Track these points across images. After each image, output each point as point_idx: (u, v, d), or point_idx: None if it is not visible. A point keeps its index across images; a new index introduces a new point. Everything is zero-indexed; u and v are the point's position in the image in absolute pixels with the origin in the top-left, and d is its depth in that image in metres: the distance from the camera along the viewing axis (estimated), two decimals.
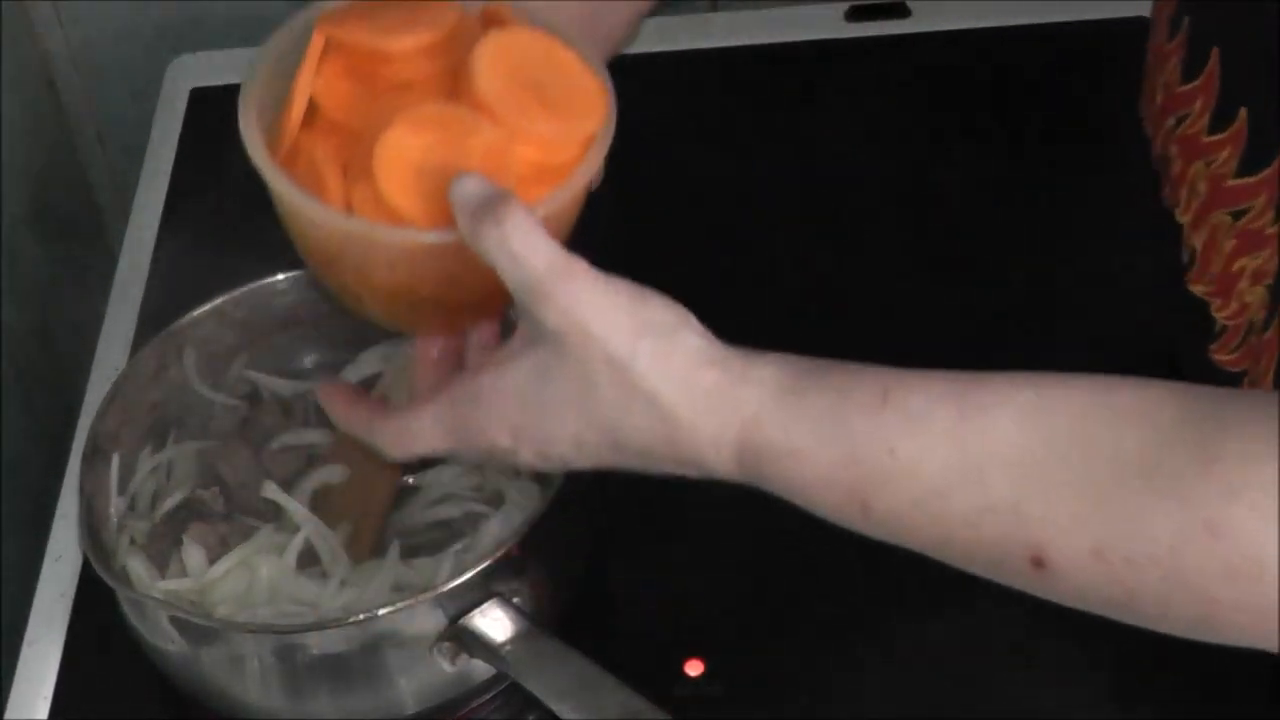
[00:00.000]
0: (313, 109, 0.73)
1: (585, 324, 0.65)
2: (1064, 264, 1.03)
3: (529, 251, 0.65)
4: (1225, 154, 0.70)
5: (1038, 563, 0.59)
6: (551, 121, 0.73)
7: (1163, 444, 0.58)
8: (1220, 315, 0.72)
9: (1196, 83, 0.73)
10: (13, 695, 0.91)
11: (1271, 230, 0.67)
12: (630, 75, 1.20)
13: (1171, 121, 0.75)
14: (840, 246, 1.07)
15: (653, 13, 1.22)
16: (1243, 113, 0.69)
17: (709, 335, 0.67)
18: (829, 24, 1.21)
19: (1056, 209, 1.07)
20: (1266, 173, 0.67)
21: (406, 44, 0.73)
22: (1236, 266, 0.70)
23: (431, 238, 0.69)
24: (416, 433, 0.72)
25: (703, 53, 1.21)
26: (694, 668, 0.87)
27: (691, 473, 0.67)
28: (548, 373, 0.67)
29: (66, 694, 0.91)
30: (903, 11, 1.21)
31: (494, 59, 0.72)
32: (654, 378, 0.65)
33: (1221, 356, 0.73)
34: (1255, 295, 0.69)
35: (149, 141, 1.19)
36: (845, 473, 0.62)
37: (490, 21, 0.75)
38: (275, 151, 0.73)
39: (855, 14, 1.21)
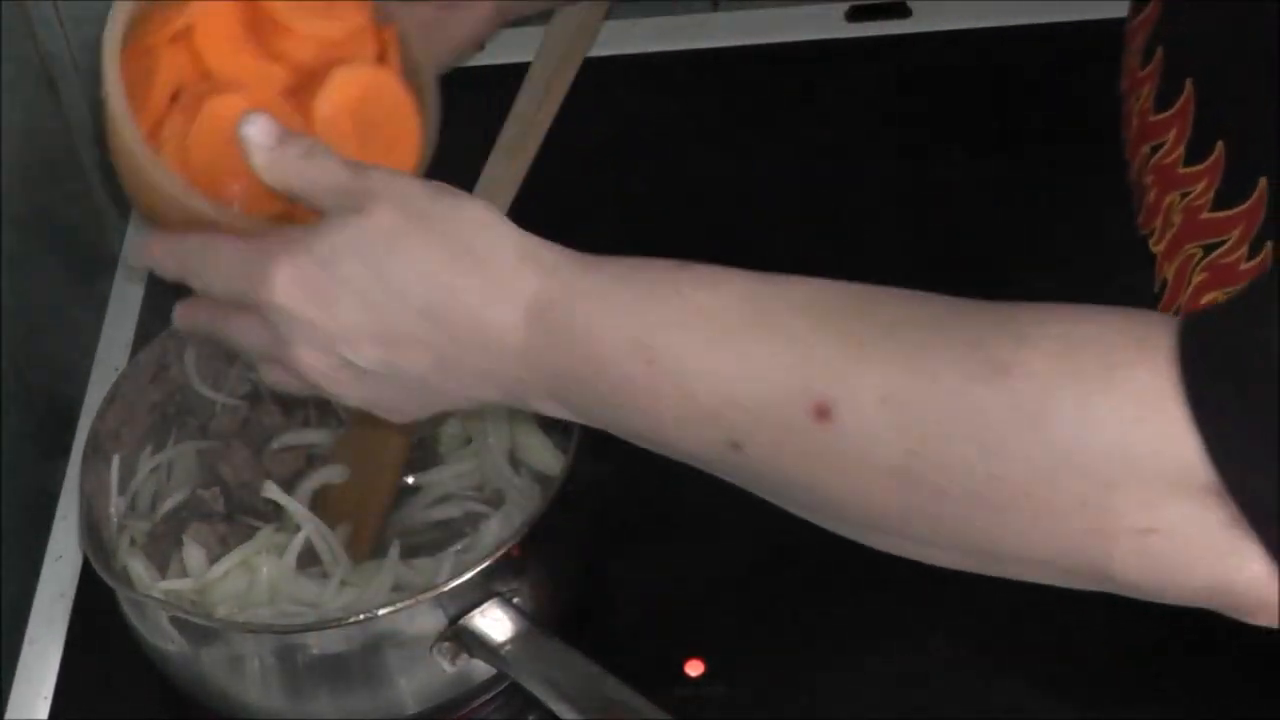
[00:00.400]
0: (189, 30, 0.75)
1: (404, 185, 0.66)
2: (1063, 265, 1.03)
3: (329, 160, 0.67)
4: (1202, 186, 0.70)
5: (821, 412, 0.57)
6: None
7: (956, 307, 0.58)
8: None
9: (1170, 112, 0.73)
10: (13, 695, 0.91)
11: (1246, 266, 0.67)
12: (630, 75, 1.21)
13: (1147, 149, 0.75)
14: (840, 246, 1.07)
15: (653, 13, 1.23)
16: (1219, 145, 0.69)
17: (496, 211, 0.66)
18: (829, 24, 1.21)
19: (1056, 209, 1.07)
20: (1242, 207, 0.67)
21: (311, 28, 0.75)
22: (1205, 300, 0.70)
23: (210, 211, 0.71)
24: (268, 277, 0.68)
25: (703, 53, 1.21)
26: (694, 668, 0.87)
27: (468, 352, 0.64)
28: (344, 251, 0.65)
29: (66, 694, 0.91)
30: (903, 11, 1.21)
31: (343, 89, 0.74)
32: (464, 225, 0.64)
33: None
34: None
35: None
36: (635, 318, 0.61)
37: (378, 41, 0.77)
38: (128, 47, 0.76)
39: (855, 14, 1.21)
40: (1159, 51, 0.74)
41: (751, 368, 0.59)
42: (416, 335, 0.65)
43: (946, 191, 1.10)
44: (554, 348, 0.63)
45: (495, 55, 1.10)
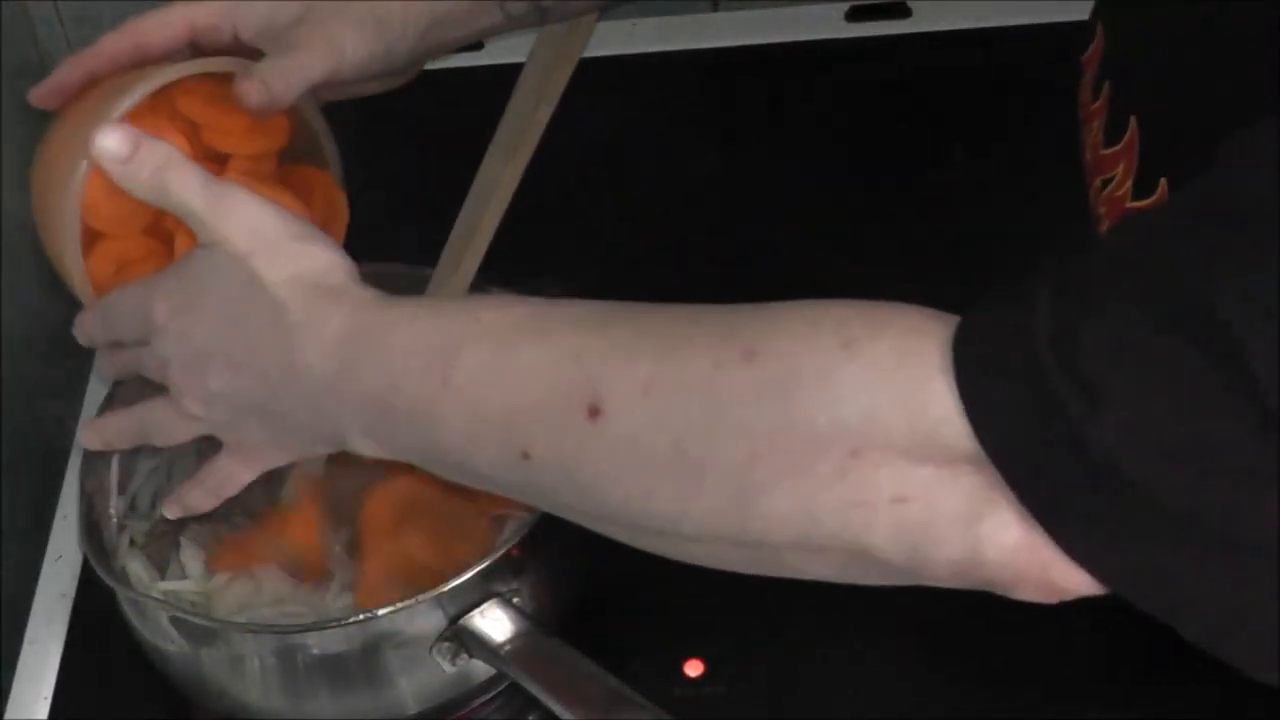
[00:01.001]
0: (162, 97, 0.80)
1: (229, 233, 0.70)
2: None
3: (187, 176, 0.72)
4: None
5: (594, 411, 0.60)
6: None
7: (722, 309, 0.60)
8: None
9: (1118, 147, 0.73)
10: (13, 695, 0.91)
11: None
12: (630, 75, 1.21)
13: (1099, 182, 0.75)
14: (839, 246, 1.07)
15: (653, 13, 1.23)
16: (1162, 183, 0.69)
17: (342, 255, 0.71)
18: (829, 24, 1.21)
19: (1056, 210, 1.07)
20: None
21: (250, 148, 0.81)
22: None
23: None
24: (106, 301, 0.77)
25: (703, 53, 1.21)
26: (694, 668, 0.87)
27: (289, 388, 0.69)
28: (201, 274, 0.72)
29: (66, 694, 0.91)
30: (903, 11, 1.21)
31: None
32: (274, 276, 0.69)
33: None
34: None
35: None
36: (431, 339, 0.65)
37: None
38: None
39: (855, 14, 1.21)
40: (1106, 86, 0.75)
41: (531, 375, 0.62)
42: (251, 364, 0.70)
43: (946, 191, 1.10)
44: (359, 374, 0.67)
45: (495, 55, 1.10)
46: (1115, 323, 0.51)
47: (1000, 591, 0.56)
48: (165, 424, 0.76)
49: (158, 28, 0.82)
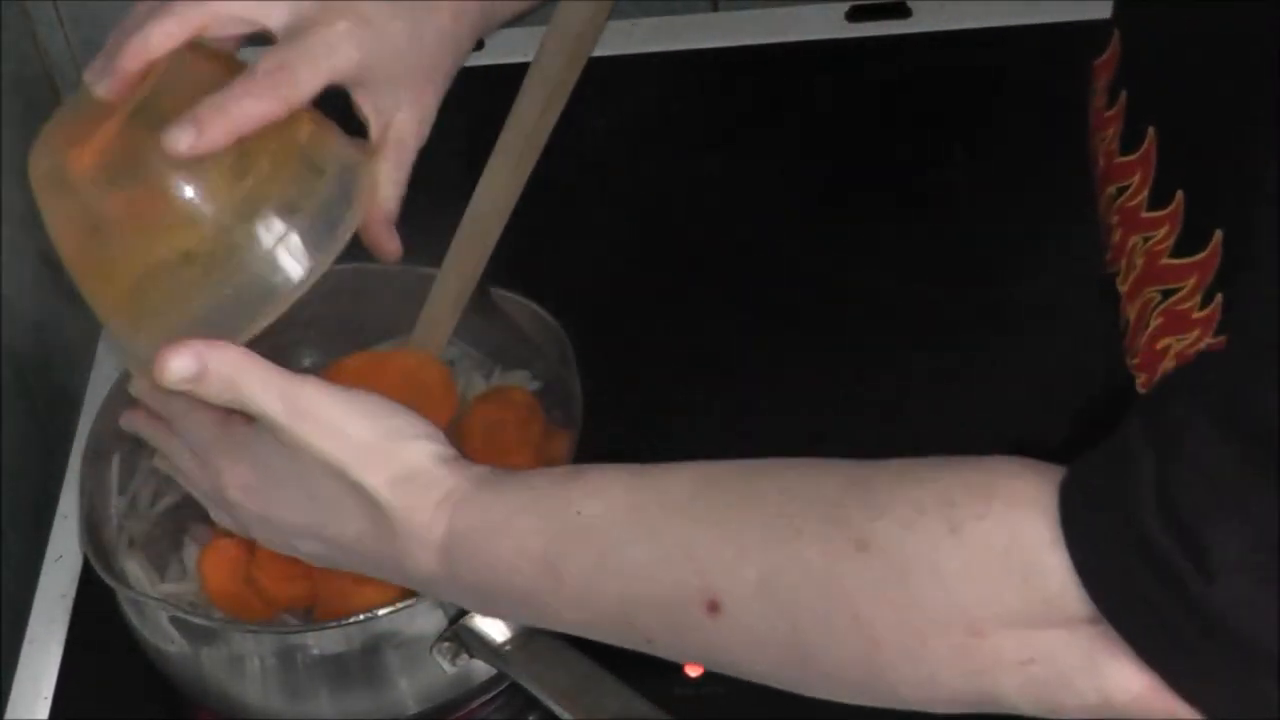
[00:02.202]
0: None
1: (314, 441, 0.70)
2: (1061, 266, 1.03)
3: (260, 391, 0.70)
4: (1163, 231, 0.70)
5: (713, 607, 0.62)
6: None
7: (823, 478, 0.62)
8: (1143, 390, 0.72)
9: (1135, 156, 0.73)
10: (13, 695, 0.91)
11: (1198, 315, 0.67)
12: (630, 75, 1.21)
13: (1113, 190, 0.75)
14: (840, 246, 1.07)
15: (653, 13, 1.23)
16: (1179, 194, 0.69)
17: (438, 440, 0.71)
18: (829, 24, 1.21)
19: (1056, 210, 1.07)
20: (1200, 256, 0.67)
21: None
22: (1160, 345, 0.70)
23: None
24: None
25: (703, 53, 1.21)
26: (694, 668, 0.87)
27: (396, 577, 0.71)
28: (281, 470, 0.72)
29: (66, 694, 0.91)
30: (903, 11, 1.21)
31: None
32: (370, 481, 0.69)
33: None
34: None
35: None
36: (537, 540, 0.66)
37: None
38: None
39: (855, 14, 1.21)
40: (1123, 95, 0.75)
41: (644, 573, 0.64)
42: (347, 549, 0.71)
43: (946, 191, 1.10)
44: (465, 576, 0.68)
45: (495, 55, 1.10)
46: (1219, 482, 0.52)
47: None
48: (203, 496, 0.78)
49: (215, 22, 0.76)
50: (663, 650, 0.65)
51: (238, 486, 0.73)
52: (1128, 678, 0.56)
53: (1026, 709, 0.58)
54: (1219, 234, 0.66)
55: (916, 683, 0.59)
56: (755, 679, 0.64)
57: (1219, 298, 0.66)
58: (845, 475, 0.62)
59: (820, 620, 0.60)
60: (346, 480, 0.69)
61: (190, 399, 0.72)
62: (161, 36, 0.72)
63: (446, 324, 0.89)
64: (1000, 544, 0.57)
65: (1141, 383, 0.72)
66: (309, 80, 0.73)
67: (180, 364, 0.70)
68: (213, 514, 0.77)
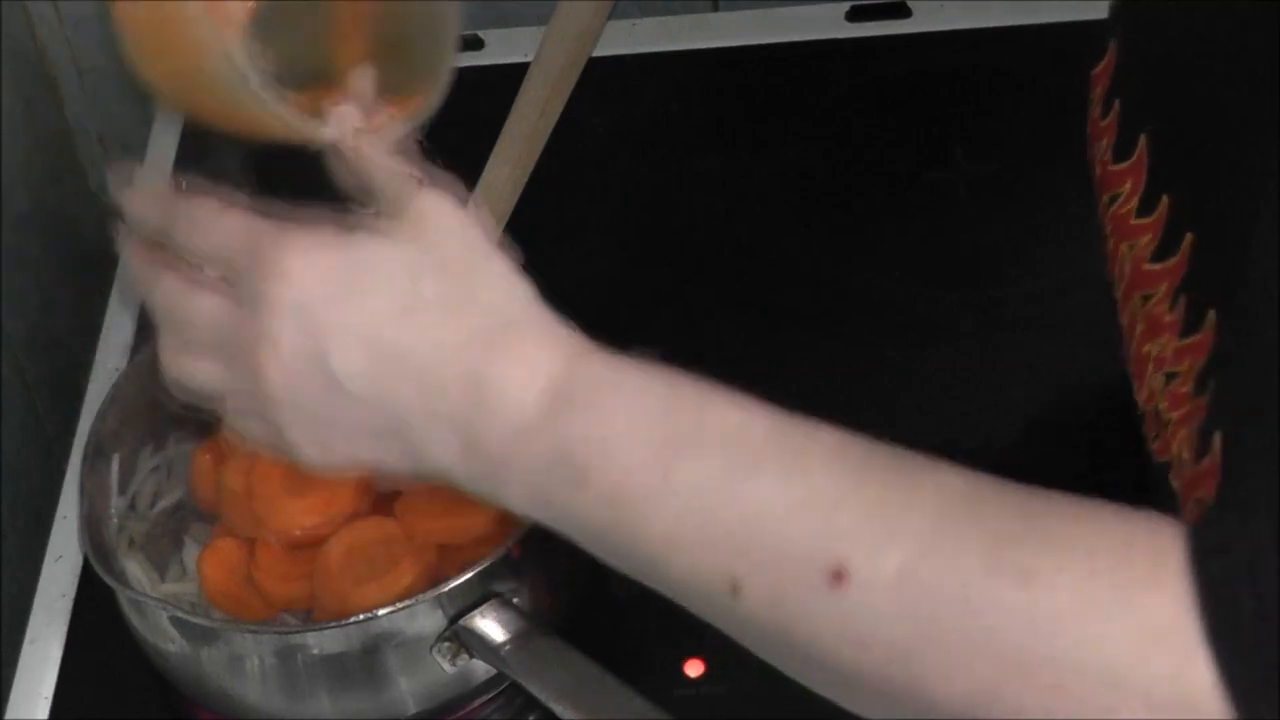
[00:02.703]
0: None
1: (458, 222, 0.63)
2: (1061, 266, 1.03)
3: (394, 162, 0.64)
4: (1146, 238, 0.70)
5: (837, 577, 0.54)
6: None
7: (988, 490, 0.55)
8: (1138, 398, 0.72)
9: (1127, 165, 0.73)
10: (13, 695, 0.91)
11: (1168, 318, 0.67)
12: (630, 75, 1.21)
13: (1106, 199, 0.75)
14: (840, 246, 1.07)
15: (653, 13, 1.23)
16: (1164, 200, 0.69)
17: None
18: (829, 24, 1.21)
19: (1056, 211, 1.07)
20: (1171, 261, 0.68)
21: None
22: (1144, 350, 0.70)
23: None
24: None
25: (703, 53, 1.21)
26: (694, 668, 0.87)
27: (476, 414, 0.60)
28: (384, 248, 0.63)
29: (66, 694, 0.91)
30: (903, 11, 1.21)
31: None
32: (501, 285, 0.62)
33: (1150, 445, 0.71)
34: (1157, 382, 0.69)
35: (149, 141, 1.19)
36: (659, 422, 0.58)
37: None
38: None
39: (855, 14, 1.21)
40: (1116, 104, 0.75)
41: (771, 511, 0.56)
42: (415, 365, 0.61)
43: (945, 191, 1.10)
44: (565, 433, 0.59)
45: (495, 55, 1.10)
46: None
47: None
48: (189, 360, 0.66)
49: None
50: (743, 604, 0.56)
51: (305, 265, 0.61)
52: None
53: None
54: (1189, 237, 0.66)
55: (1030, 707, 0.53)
56: (829, 666, 0.56)
57: (1183, 300, 0.66)
58: (1014, 497, 0.55)
59: (952, 634, 0.53)
60: (468, 269, 0.61)
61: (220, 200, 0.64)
62: None
63: None
64: (1165, 629, 0.51)
65: (1135, 389, 0.72)
66: None
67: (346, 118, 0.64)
68: (200, 315, 0.64)
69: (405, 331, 0.61)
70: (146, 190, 0.68)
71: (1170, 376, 0.66)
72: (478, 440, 0.60)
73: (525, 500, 0.61)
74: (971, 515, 0.54)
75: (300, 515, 0.83)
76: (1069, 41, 1.17)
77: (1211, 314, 0.63)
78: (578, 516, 0.59)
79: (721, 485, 0.57)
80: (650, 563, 0.59)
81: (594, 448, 0.58)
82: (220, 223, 0.64)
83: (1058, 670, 0.52)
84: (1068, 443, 0.95)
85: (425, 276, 0.62)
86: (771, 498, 0.56)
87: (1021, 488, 0.55)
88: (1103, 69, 0.78)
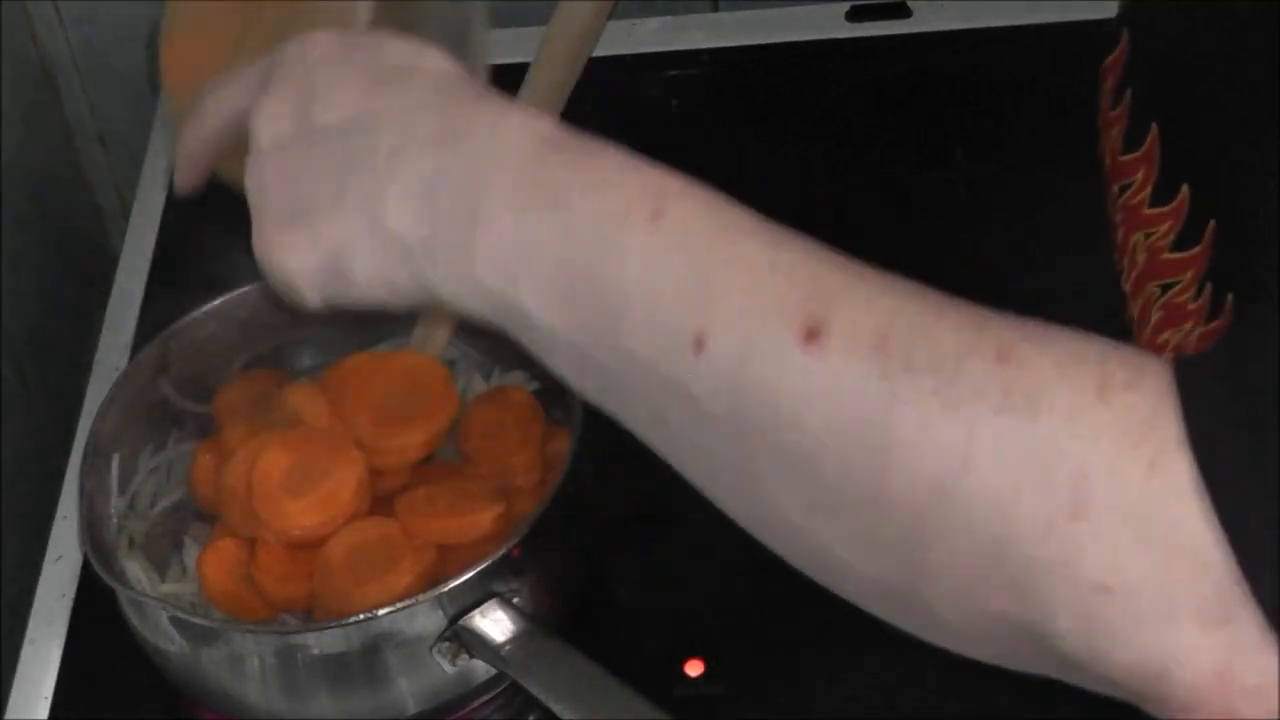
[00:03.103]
0: None
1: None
2: (1061, 267, 1.03)
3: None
4: (1165, 227, 0.70)
5: (811, 334, 0.51)
6: None
7: (964, 302, 0.53)
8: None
9: (1138, 154, 0.73)
10: (13, 695, 0.91)
11: (1193, 306, 0.67)
12: (630, 75, 1.21)
13: (1116, 188, 0.75)
14: (839, 246, 1.07)
15: (653, 13, 1.23)
16: (1185, 189, 0.69)
17: None
18: (829, 24, 1.21)
19: (1056, 211, 1.07)
20: (1196, 249, 0.68)
21: None
22: (1161, 339, 0.70)
23: None
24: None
25: (703, 53, 1.21)
26: (694, 668, 0.87)
27: (474, 130, 0.57)
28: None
29: (66, 694, 0.91)
30: (903, 11, 1.21)
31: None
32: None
33: None
34: None
35: (149, 141, 1.19)
36: (650, 177, 0.57)
37: None
38: None
39: (855, 14, 1.21)
40: (1127, 93, 0.75)
41: (755, 264, 0.53)
42: (401, 113, 0.58)
43: (945, 192, 1.10)
44: (554, 161, 0.56)
45: (495, 55, 1.10)
46: None
47: (1157, 711, 0.50)
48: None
49: None
50: (705, 364, 0.52)
51: (319, 40, 0.61)
52: (1202, 653, 0.47)
53: (1072, 646, 0.50)
54: (1212, 224, 0.66)
55: (977, 549, 0.49)
56: (794, 450, 0.52)
57: (1209, 287, 0.66)
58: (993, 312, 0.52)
59: (926, 406, 0.49)
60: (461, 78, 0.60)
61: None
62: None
63: (446, 326, 0.89)
64: (1141, 424, 0.47)
65: None
66: None
67: None
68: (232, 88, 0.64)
69: (391, 88, 0.60)
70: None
71: None
72: (454, 170, 0.57)
73: (487, 247, 0.56)
74: (954, 304, 0.53)
75: (300, 515, 0.83)
76: (1069, 41, 1.17)
77: (1230, 298, 0.63)
78: (545, 257, 0.55)
79: (710, 236, 0.54)
80: (613, 315, 0.54)
81: (584, 177, 0.56)
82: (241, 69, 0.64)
83: (1027, 454, 0.48)
84: None
85: (422, 58, 0.61)
86: (755, 256, 0.54)
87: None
88: (1114, 60, 0.78)
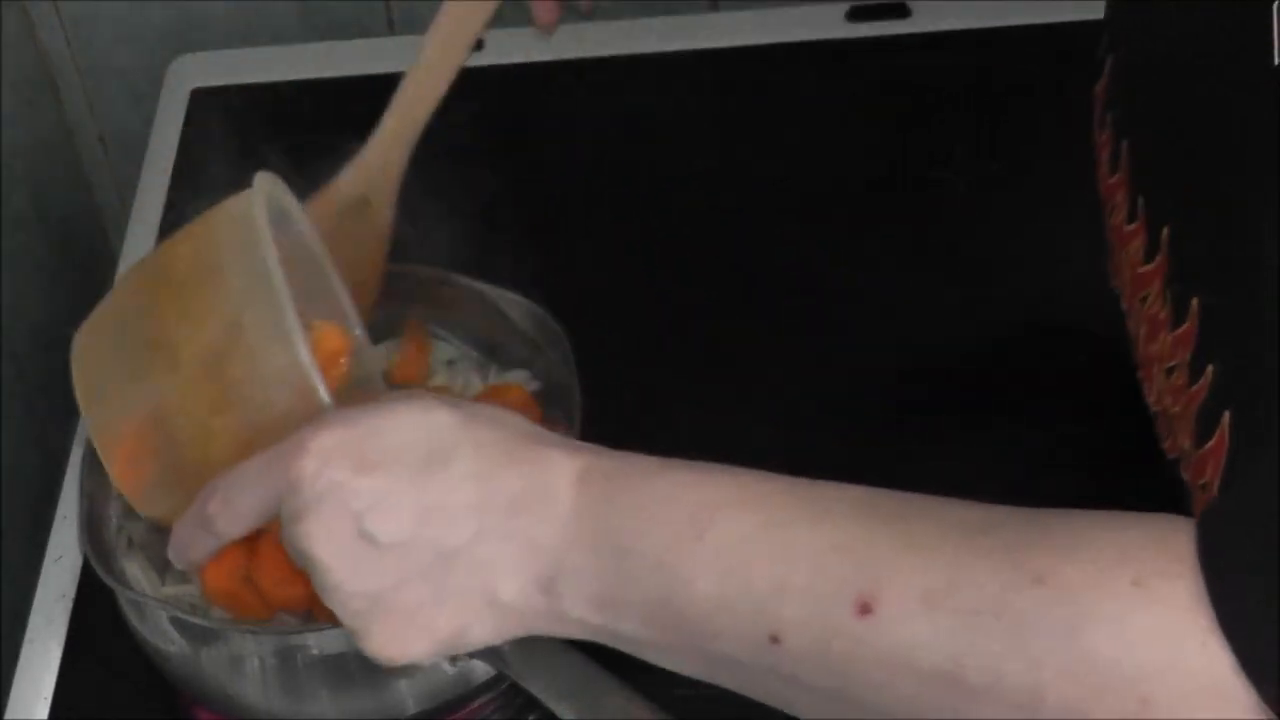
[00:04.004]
0: None
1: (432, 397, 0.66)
2: (1061, 266, 1.03)
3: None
4: (1137, 242, 0.71)
5: (865, 608, 0.57)
6: None
7: (993, 515, 0.58)
8: (1149, 400, 0.73)
9: (1117, 176, 0.74)
10: (13, 695, 0.91)
11: (1163, 315, 0.68)
12: (630, 75, 1.21)
13: (1107, 212, 0.76)
14: (839, 246, 1.07)
15: (653, 13, 1.23)
16: (1141, 199, 0.70)
17: None
18: (829, 24, 1.21)
19: (1056, 211, 1.07)
20: (1158, 258, 0.68)
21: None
22: (1149, 351, 0.71)
23: None
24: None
25: (703, 53, 1.21)
26: None
27: (523, 510, 0.63)
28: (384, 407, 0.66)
29: (66, 694, 0.91)
30: (903, 11, 1.21)
31: None
32: (507, 415, 0.66)
33: (1163, 445, 0.72)
34: (1161, 380, 0.69)
35: (149, 141, 1.19)
36: (690, 493, 0.61)
37: None
38: None
39: (855, 14, 1.21)
40: (1109, 116, 0.76)
41: (802, 557, 0.59)
42: (462, 502, 0.63)
43: (946, 192, 1.10)
44: (605, 510, 0.62)
45: (496, 55, 1.10)
46: None
47: None
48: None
49: None
50: (786, 653, 0.59)
51: (328, 443, 0.64)
52: None
53: None
54: (1166, 230, 0.66)
55: (1076, 702, 0.54)
56: (874, 703, 0.58)
57: (1170, 293, 0.67)
58: (1021, 513, 0.58)
59: (985, 649, 0.55)
60: (473, 411, 0.64)
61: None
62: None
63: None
64: (1184, 612, 0.52)
65: (1146, 391, 0.73)
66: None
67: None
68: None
69: (441, 482, 0.63)
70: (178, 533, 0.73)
71: (1170, 371, 0.67)
72: (533, 541, 0.63)
73: (581, 595, 0.63)
74: (983, 535, 0.57)
75: None
76: (1068, 41, 1.17)
77: (1194, 302, 0.64)
78: (629, 594, 0.62)
79: (757, 539, 0.60)
80: (698, 629, 0.61)
81: (634, 519, 0.62)
82: (240, 476, 0.68)
83: (1090, 669, 0.53)
84: (1074, 447, 0.95)
85: (443, 428, 0.64)
86: (803, 545, 0.59)
87: (1036, 510, 0.57)
88: (1101, 86, 0.79)
